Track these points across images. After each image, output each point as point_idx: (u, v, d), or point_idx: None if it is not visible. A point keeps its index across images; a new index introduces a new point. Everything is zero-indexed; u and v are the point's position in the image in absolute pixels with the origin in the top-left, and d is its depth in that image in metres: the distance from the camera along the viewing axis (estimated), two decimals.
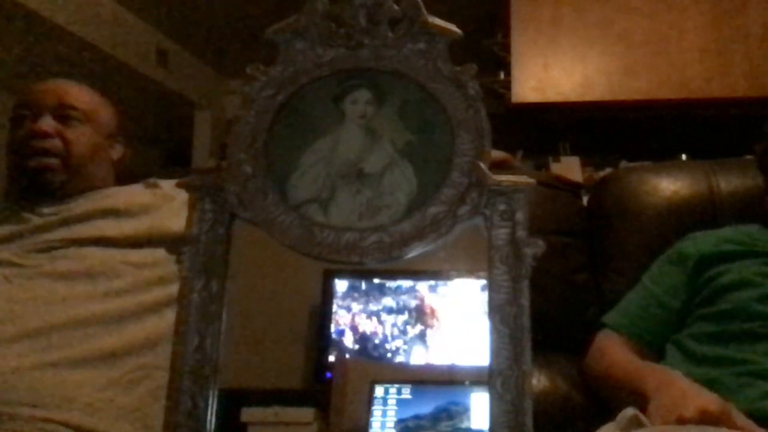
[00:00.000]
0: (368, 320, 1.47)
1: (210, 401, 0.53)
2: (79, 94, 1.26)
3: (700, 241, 1.25)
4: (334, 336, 1.45)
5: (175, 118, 4.52)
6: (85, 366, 1.00)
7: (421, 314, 1.46)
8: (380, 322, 1.46)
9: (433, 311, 1.46)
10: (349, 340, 1.45)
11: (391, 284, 1.48)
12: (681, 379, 1.00)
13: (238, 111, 0.59)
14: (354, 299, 1.48)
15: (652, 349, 1.20)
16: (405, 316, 1.46)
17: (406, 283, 1.48)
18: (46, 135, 1.19)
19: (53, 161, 1.19)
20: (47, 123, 1.20)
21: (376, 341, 1.45)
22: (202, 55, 4.51)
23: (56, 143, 1.19)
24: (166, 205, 1.21)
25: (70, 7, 3.44)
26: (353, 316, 1.47)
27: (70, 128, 1.21)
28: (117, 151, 1.30)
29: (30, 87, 1.27)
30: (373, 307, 1.47)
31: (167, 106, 4.46)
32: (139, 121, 4.24)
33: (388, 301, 1.47)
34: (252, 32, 3.74)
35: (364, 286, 1.48)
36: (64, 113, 1.22)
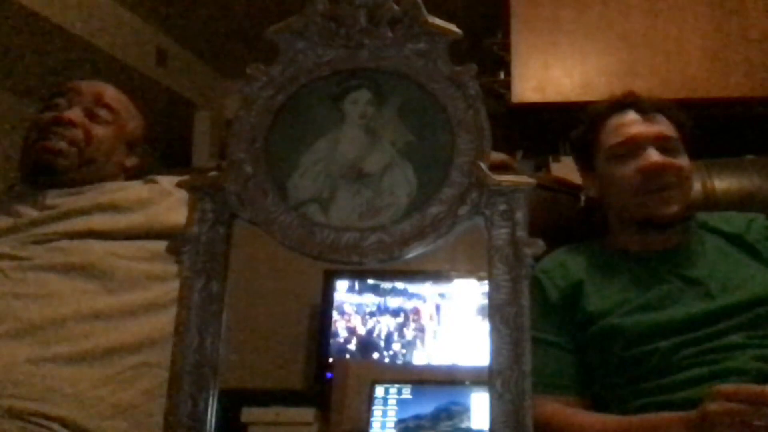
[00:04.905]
0: (365, 321, 1.47)
1: (210, 401, 0.53)
2: (116, 97, 1.31)
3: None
4: (339, 339, 1.45)
5: (175, 118, 4.52)
6: (81, 362, 0.99)
7: (421, 315, 1.46)
8: (378, 322, 1.46)
9: (433, 312, 1.46)
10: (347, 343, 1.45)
11: (387, 285, 1.48)
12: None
13: (238, 111, 0.59)
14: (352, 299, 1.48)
15: (587, 396, 1.14)
16: (403, 318, 1.46)
17: (405, 284, 1.48)
18: (70, 124, 1.22)
19: (68, 148, 1.21)
20: (76, 114, 1.23)
21: (374, 343, 1.45)
22: (202, 55, 4.52)
23: (78, 134, 1.22)
24: (164, 200, 1.21)
25: (70, 7, 3.44)
26: (350, 317, 1.47)
27: (96, 125, 1.25)
28: (131, 161, 1.33)
29: (71, 81, 1.31)
30: (368, 308, 1.47)
31: (167, 106, 4.46)
32: None
33: (388, 302, 1.47)
34: (252, 32, 3.74)
35: (357, 286, 1.48)
36: (95, 110, 1.26)
